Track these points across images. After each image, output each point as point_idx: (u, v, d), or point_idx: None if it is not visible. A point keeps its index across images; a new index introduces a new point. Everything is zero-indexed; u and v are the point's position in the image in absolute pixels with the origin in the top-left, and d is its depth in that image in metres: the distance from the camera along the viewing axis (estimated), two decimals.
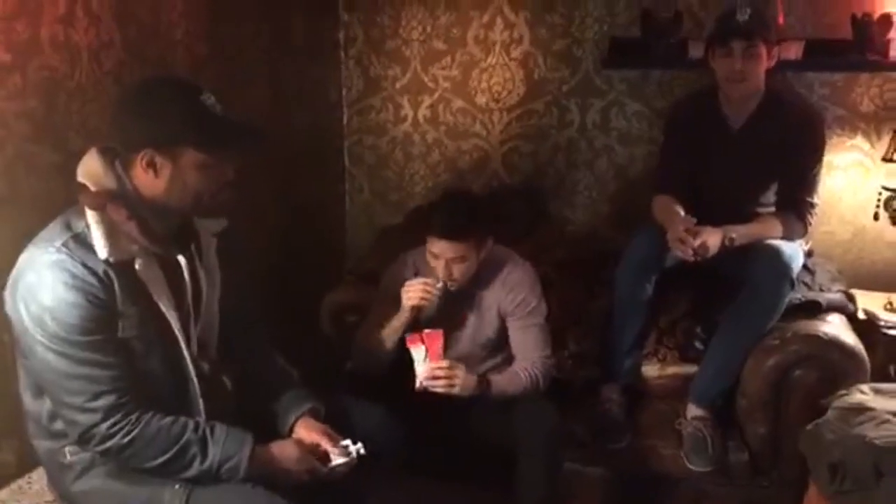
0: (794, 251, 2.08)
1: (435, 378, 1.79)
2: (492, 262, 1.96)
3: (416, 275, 2.02)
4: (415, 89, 2.86)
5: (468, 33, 2.75)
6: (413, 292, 1.85)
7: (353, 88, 2.93)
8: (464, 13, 2.74)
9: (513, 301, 1.96)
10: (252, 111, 2.37)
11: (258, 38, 2.41)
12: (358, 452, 1.46)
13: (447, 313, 2.01)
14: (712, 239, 2.01)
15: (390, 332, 1.90)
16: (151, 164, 1.30)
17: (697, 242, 2.00)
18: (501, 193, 2.79)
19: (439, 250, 1.85)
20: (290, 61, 2.62)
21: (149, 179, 1.32)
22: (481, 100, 2.81)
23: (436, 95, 2.85)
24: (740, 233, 2.06)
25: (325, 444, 1.46)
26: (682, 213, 2.10)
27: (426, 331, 1.82)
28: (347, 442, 1.47)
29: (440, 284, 1.85)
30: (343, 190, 3.06)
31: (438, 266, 1.87)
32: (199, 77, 2.02)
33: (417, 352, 1.81)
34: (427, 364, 1.79)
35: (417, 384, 1.80)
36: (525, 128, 2.80)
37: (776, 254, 2.03)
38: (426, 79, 2.84)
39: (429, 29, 2.79)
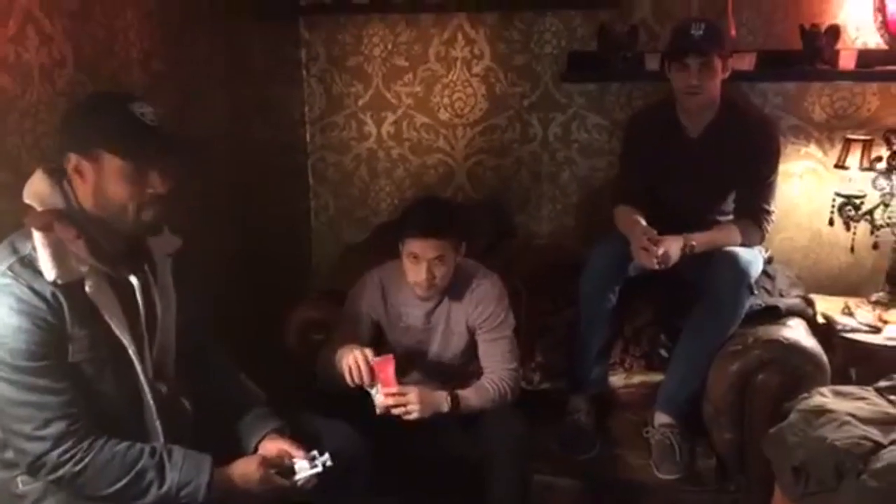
0: (752, 257, 2.11)
1: (388, 406, 1.76)
2: (460, 275, 1.96)
3: (383, 293, 2.01)
4: (378, 106, 2.87)
5: (429, 50, 2.77)
6: (349, 362, 1.77)
7: (316, 106, 2.93)
8: (424, 30, 2.75)
9: (481, 314, 1.95)
10: (212, 130, 2.35)
11: (217, 58, 2.39)
12: (324, 464, 1.43)
13: (416, 328, 2.00)
14: (673, 247, 2.04)
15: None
16: (78, 171, 1.30)
17: (660, 251, 2.02)
18: (467, 208, 2.80)
19: (420, 250, 1.83)
20: (251, 80, 2.60)
21: (82, 187, 1.31)
22: (444, 115, 2.82)
23: (399, 112, 2.86)
24: (700, 240, 2.09)
25: (293, 452, 1.44)
26: (644, 223, 2.13)
27: (374, 359, 1.77)
28: (314, 453, 1.45)
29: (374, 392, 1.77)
30: (308, 207, 3.05)
31: (419, 270, 1.85)
32: (155, 96, 1.99)
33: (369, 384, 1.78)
34: (379, 392, 1.77)
35: (378, 411, 1.78)
36: (488, 142, 2.82)
37: (734, 260, 2.06)
38: (389, 95, 2.85)
39: (390, 46, 2.80)
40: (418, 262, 1.85)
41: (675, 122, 2.22)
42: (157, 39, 2.07)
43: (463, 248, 1.91)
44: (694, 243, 2.07)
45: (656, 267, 2.04)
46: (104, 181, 1.30)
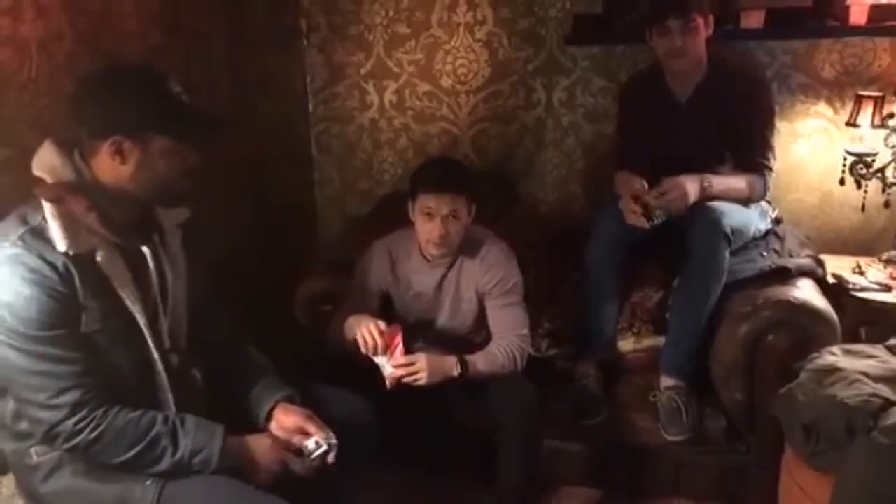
0: (727, 208, 2.08)
1: (398, 376, 1.78)
2: (470, 241, 1.95)
3: (392, 261, 2.01)
4: (380, 75, 2.84)
5: (431, 16, 2.73)
6: (363, 331, 1.79)
7: (318, 77, 2.90)
8: None
9: (491, 280, 1.95)
10: (214, 102, 2.32)
11: (216, 28, 2.36)
12: (329, 444, 1.42)
13: (425, 296, 2.00)
14: (689, 186, 2.03)
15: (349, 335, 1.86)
16: (119, 151, 1.29)
17: (673, 194, 2.01)
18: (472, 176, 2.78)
19: (435, 204, 1.82)
20: (251, 51, 2.57)
21: (114, 167, 1.30)
22: (447, 83, 2.79)
23: (401, 80, 2.82)
24: (715, 181, 2.08)
25: (307, 427, 1.43)
26: (644, 184, 2.11)
27: (385, 328, 1.79)
28: (319, 439, 1.43)
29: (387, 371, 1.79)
30: (312, 180, 3.03)
31: (433, 227, 1.84)
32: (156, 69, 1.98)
33: (378, 356, 1.80)
34: (388, 363, 1.78)
35: (388, 385, 1.79)
36: (492, 109, 2.78)
37: (707, 212, 2.05)
38: (391, 63, 2.81)
39: (391, 13, 2.76)
40: (432, 219, 1.84)
41: (663, 88, 2.20)
42: (155, 11, 2.05)
43: (473, 209, 1.90)
44: (708, 183, 2.06)
45: (646, 226, 2.03)
46: (150, 161, 1.31)
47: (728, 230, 2.04)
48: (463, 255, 1.95)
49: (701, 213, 2.05)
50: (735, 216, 2.08)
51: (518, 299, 1.97)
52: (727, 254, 2.05)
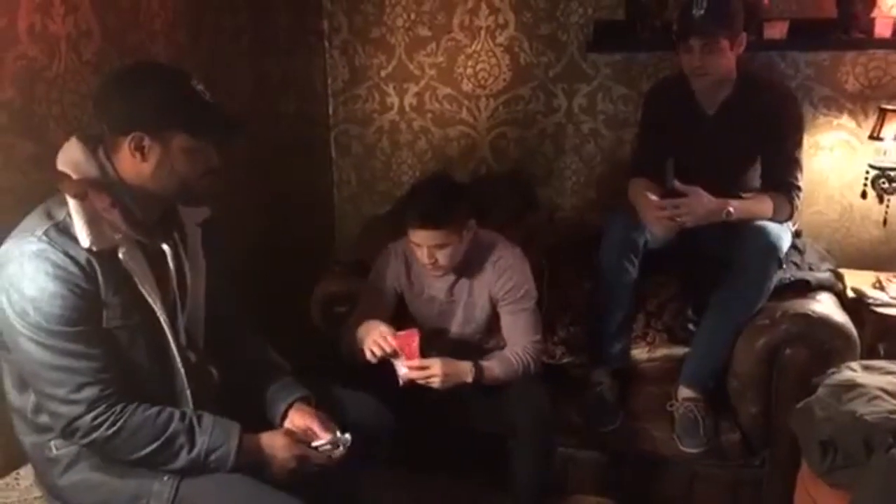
0: (780, 231, 2.08)
1: (411, 378, 1.78)
2: (482, 247, 1.95)
3: (407, 264, 2.02)
4: (400, 77, 2.84)
5: (453, 19, 2.73)
6: (370, 345, 1.80)
7: (339, 78, 2.91)
8: None
9: (504, 286, 1.94)
10: (235, 102, 2.34)
11: (241, 29, 2.38)
12: (344, 444, 1.43)
13: (439, 300, 2.00)
14: (704, 199, 2.00)
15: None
16: (140, 148, 1.29)
17: (686, 210, 1.99)
18: (489, 180, 2.78)
19: (419, 239, 1.85)
20: (274, 52, 2.59)
21: (135, 164, 1.31)
22: (467, 86, 2.79)
23: (422, 83, 2.83)
24: (737, 207, 2.05)
25: (318, 431, 1.45)
26: (654, 197, 2.10)
27: (400, 333, 1.80)
28: (337, 434, 1.45)
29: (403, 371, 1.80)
30: (331, 180, 3.04)
31: (422, 254, 1.87)
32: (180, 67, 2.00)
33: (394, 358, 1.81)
34: (403, 365, 1.79)
35: (401, 383, 1.80)
36: (512, 114, 2.78)
37: (763, 234, 2.03)
38: (412, 66, 2.82)
39: (413, 16, 2.77)
40: (420, 248, 1.87)
41: (690, 99, 2.18)
42: (181, 10, 2.07)
43: (471, 225, 1.89)
44: (731, 209, 2.03)
45: (674, 225, 2.00)
46: (170, 158, 1.31)
47: (782, 254, 2.04)
48: (475, 260, 1.95)
49: (755, 235, 2.03)
50: (783, 239, 2.07)
51: (531, 305, 1.96)
52: (776, 278, 2.04)
